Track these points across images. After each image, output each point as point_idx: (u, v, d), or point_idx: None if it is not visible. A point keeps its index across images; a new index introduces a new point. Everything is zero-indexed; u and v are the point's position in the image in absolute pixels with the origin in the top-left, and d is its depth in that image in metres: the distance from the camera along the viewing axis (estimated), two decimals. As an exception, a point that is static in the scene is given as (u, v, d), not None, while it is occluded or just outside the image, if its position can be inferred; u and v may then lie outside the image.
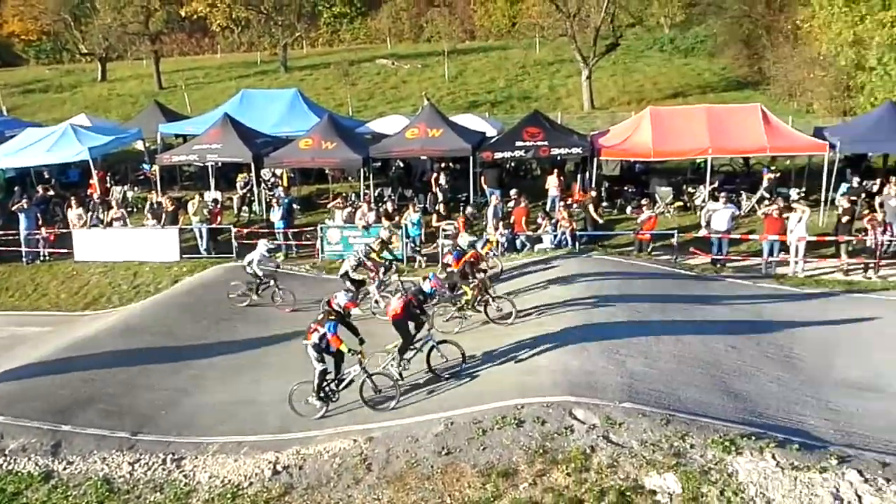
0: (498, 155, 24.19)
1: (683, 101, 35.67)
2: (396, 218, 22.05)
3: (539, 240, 21.04)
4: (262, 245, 18.49)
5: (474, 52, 50.71)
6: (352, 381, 12.75)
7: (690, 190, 24.25)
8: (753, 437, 10.24)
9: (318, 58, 53.64)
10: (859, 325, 15.41)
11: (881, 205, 20.86)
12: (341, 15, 62.44)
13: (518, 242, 21.04)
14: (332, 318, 12.39)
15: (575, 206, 23.76)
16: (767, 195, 23.05)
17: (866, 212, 20.57)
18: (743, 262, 20.03)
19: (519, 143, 23.91)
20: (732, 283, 18.32)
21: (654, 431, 10.43)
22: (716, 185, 23.34)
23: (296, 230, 23.06)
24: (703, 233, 20.67)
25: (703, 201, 22.75)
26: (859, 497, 9.41)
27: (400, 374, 13.11)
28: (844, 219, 19.50)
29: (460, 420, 11.21)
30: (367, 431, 11.61)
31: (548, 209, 23.16)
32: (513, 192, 22.80)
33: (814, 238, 19.61)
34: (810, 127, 25.90)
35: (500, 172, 25.31)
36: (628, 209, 23.51)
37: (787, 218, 19.57)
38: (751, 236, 20.53)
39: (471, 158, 24.01)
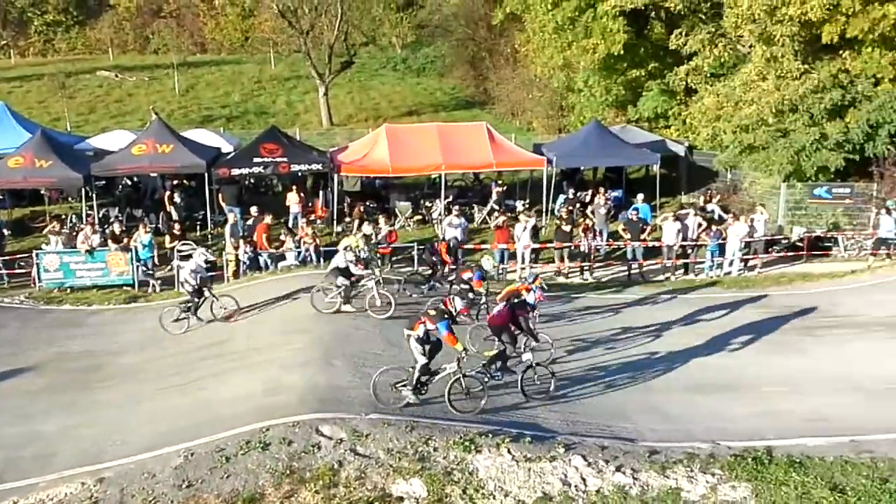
0: (235, 171, 23.57)
1: (418, 119, 37.05)
2: (125, 240, 20.55)
3: (282, 257, 20.72)
4: (199, 255, 16.98)
5: (206, 66, 48.82)
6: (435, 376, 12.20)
7: (428, 204, 25.23)
8: (491, 435, 10.87)
9: (30, 69, 48.54)
10: (580, 322, 16.94)
11: (592, 213, 23.15)
12: (55, 23, 57.01)
13: (261, 261, 20.55)
14: (447, 317, 12.13)
15: (319, 221, 23.84)
16: (497, 207, 24.63)
17: (581, 220, 22.69)
18: (478, 271, 21.12)
19: (257, 160, 23.48)
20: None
21: (400, 439, 10.67)
22: (450, 199, 24.52)
23: (7, 258, 20.68)
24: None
25: (440, 214, 23.80)
26: (584, 480, 10.33)
27: (491, 377, 12.63)
28: (566, 227, 21.35)
29: (201, 450, 10.66)
30: (98, 472, 10.64)
31: (290, 226, 22.90)
32: (253, 209, 22.28)
33: (538, 245, 21.27)
34: (531, 143, 28.08)
35: (239, 189, 24.61)
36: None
37: (514, 227, 21.04)
38: (483, 246, 21.78)
39: (206, 175, 23.12)
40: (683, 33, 26.38)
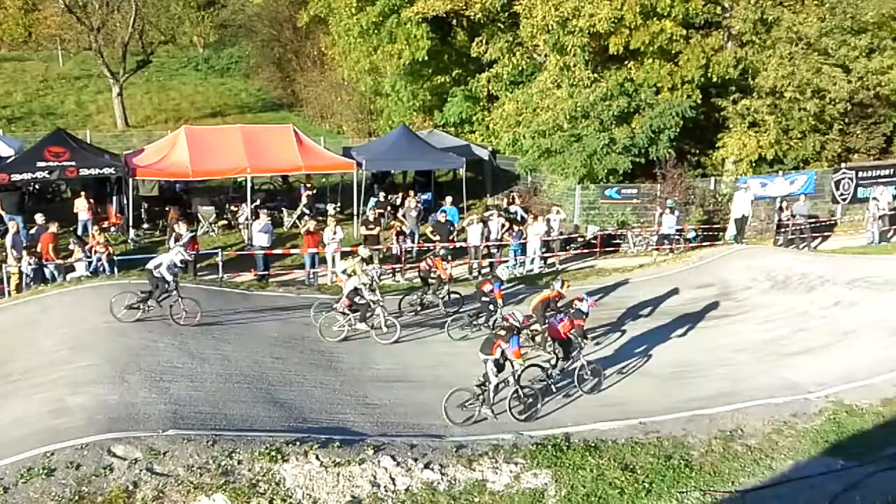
0: (16, 177, 21.60)
1: (222, 121, 35.69)
2: None
3: (72, 268, 19.21)
4: (176, 253, 16.12)
5: (-16, 62, 44.56)
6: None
7: (233, 208, 24.38)
8: (298, 443, 10.65)
9: None
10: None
11: (404, 216, 23.37)
12: None
13: (47, 272, 18.94)
14: (515, 333, 12.89)
15: (113, 228, 22.40)
16: (307, 211, 24.26)
17: (393, 223, 22.86)
18: (287, 276, 20.73)
19: (41, 164, 21.66)
20: (277, 297, 18.76)
21: (201, 454, 10.21)
22: (258, 202, 23.85)
23: None
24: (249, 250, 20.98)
25: (247, 219, 23.08)
26: (393, 480, 10.38)
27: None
28: (376, 230, 21.40)
29: (-26, 481, 9.65)
30: None
31: (79, 234, 21.31)
32: (38, 217, 20.47)
33: (349, 248, 21.17)
34: (341, 147, 27.90)
35: (21, 196, 22.54)
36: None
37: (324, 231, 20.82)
38: (293, 251, 21.40)
39: (-19, 182, 21.05)
40: (484, 41, 27.28)
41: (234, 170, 23.27)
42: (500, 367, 12.69)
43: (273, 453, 10.32)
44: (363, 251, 18.24)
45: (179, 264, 16.28)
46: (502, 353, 12.65)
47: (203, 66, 47.42)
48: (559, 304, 16.20)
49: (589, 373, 14.13)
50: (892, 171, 25.22)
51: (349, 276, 16.50)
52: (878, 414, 12.86)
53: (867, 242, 23.24)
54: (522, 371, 13.06)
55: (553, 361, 14.25)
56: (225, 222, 24.08)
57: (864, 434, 12.28)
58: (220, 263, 19.96)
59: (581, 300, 14.84)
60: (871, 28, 23.93)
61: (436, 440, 11.51)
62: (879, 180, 24.58)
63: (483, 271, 21.66)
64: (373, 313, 16.24)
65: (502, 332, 12.85)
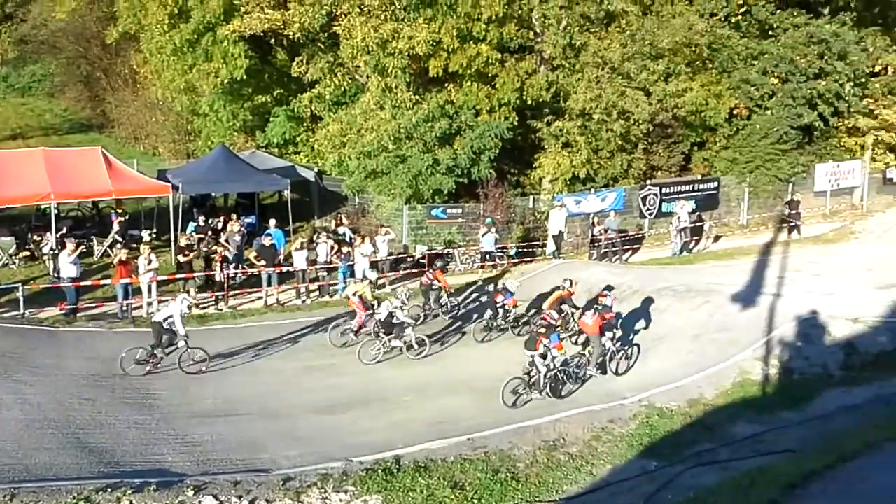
0: None
1: (24, 144, 32.91)
2: None
3: None
4: (183, 299, 16.02)
5: None
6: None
7: (36, 238, 22.54)
8: (110, 489, 9.96)
9: None
10: (216, 355, 16.32)
11: (226, 241, 22.50)
12: None
13: None
14: (553, 330, 14.89)
15: None
16: (119, 239, 22.86)
17: (216, 249, 21.94)
18: (99, 309, 19.38)
19: None
20: (87, 332, 17.54)
21: (-3, 512, 9.28)
22: (64, 231, 22.20)
23: None
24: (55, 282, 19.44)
25: (52, 249, 21.40)
26: (215, 521, 9.88)
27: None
28: (191, 255, 20.47)
29: None
30: None
31: None
32: None
33: (165, 277, 20.15)
34: (157, 169, 26.52)
35: None
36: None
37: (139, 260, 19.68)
38: (104, 282, 20.05)
39: None
40: (305, 61, 26.90)
41: (35, 196, 21.48)
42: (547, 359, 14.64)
43: (81, 503, 9.53)
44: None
45: (187, 311, 16.06)
46: (545, 346, 14.42)
47: (1, 84, 43.80)
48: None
49: (619, 357, 16.23)
50: (691, 186, 27.41)
51: (360, 298, 17.63)
52: (686, 415, 13.84)
53: (671, 254, 25.06)
54: (561, 361, 14.99)
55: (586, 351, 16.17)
56: (27, 253, 22.21)
57: (674, 435, 13.15)
58: (22, 298, 18.38)
59: (605, 296, 16.94)
60: (667, 54, 25.88)
61: (262, 475, 11.10)
62: (680, 195, 26.59)
63: (312, 295, 21.33)
64: (404, 333, 17.06)
65: (542, 330, 14.79)
